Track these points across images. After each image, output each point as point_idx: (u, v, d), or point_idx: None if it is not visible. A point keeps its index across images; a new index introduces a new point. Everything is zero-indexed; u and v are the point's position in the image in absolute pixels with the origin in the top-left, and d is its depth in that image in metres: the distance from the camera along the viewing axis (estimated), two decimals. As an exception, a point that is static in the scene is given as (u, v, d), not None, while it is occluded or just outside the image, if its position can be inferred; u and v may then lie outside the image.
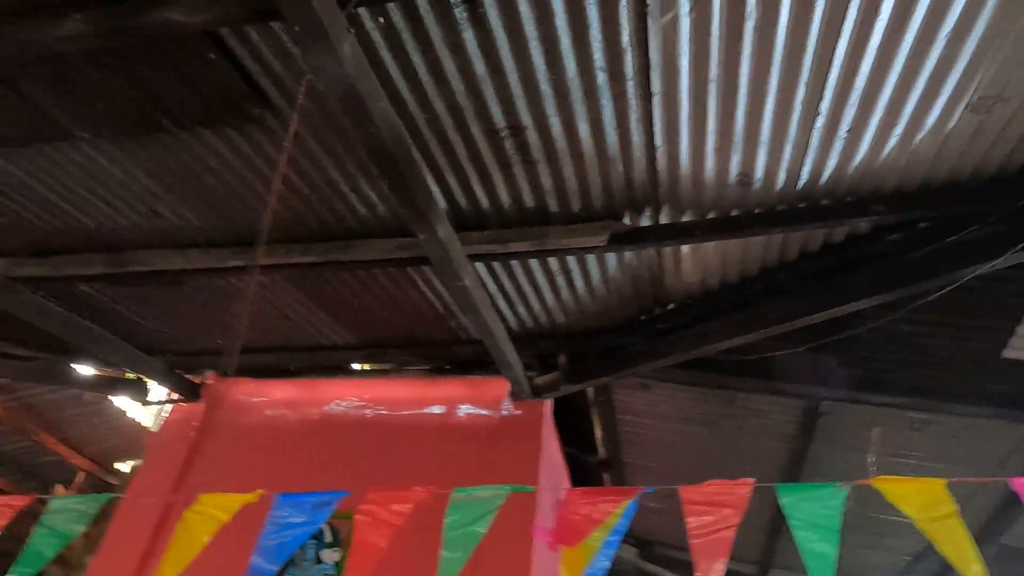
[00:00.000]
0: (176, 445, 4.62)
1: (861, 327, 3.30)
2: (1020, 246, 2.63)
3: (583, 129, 2.62)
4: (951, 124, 2.50)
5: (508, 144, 2.71)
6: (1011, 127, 2.52)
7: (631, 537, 6.26)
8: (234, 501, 1.97)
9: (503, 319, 3.95)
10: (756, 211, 3.01)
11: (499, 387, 4.37)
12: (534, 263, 3.43)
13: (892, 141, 2.60)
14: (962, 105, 2.43)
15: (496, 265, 3.47)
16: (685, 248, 3.31)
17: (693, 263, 3.44)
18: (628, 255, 3.37)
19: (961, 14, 2.10)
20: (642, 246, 3.16)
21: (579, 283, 3.62)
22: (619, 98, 2.48)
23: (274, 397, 4.92)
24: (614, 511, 1.73)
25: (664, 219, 3.11)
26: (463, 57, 2.35)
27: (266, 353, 4.56)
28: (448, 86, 2.47)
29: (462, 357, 4.44)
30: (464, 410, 4.53)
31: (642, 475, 5.61)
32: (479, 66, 2.38)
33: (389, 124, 2.23)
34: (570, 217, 3.11)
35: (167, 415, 4.95)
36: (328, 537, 4.16)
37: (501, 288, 3.68)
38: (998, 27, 2.13)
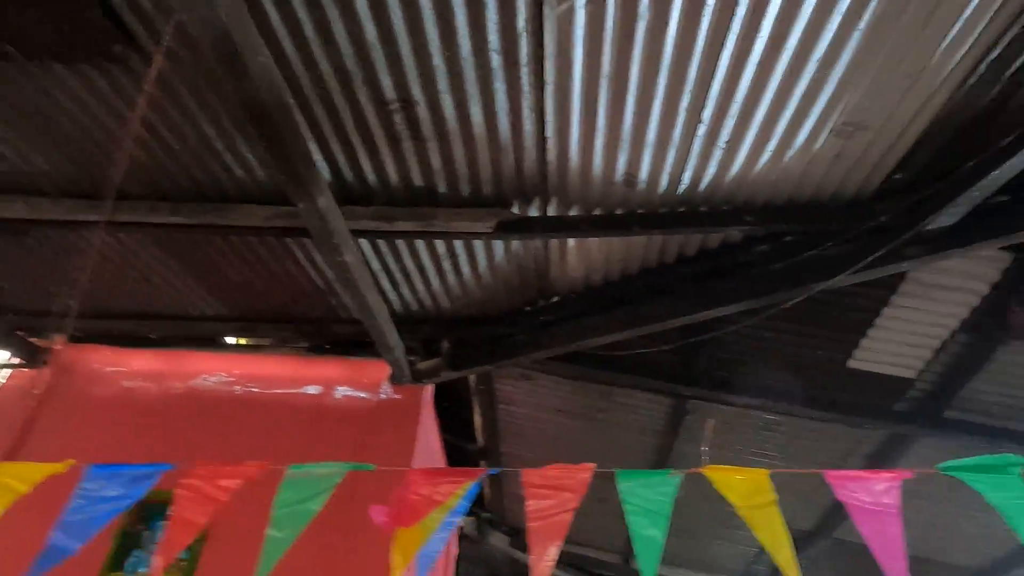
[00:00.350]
0: (11, 414, 4.19)
1: (725, 330, 3.48)
2: (855, 267, 2.86)
3: (475, 111, 2.58)
4: (817, 145, 2.68)
5: (398, 118, 2.62)
6: (868, 155, 2.73)
7: (503, 526, 6.34)
8: (36, 471, 1.77)
9: (386, 300, 3.85)
10: (639, 212, 3.10)
11: (379, 370, 4.27)
12: (420, 244, 3.36)
13: (765, 156, 2.74)
14: (828, 128, 2.60)
15: (381, 243, 3.37)
16: (571, 242, 3.36)
17: (578, 258, 3.49)
18: (515, 244, 3.37)
19: (831, 42, 2.24)
20: (529, 236, 3.18)
21: (465, 269, 3.59)
22: (512, 84, 2.46)
23: (133, 367, 4.57)
24: (456, 492, 1.72)
25: (552, 211, 3.13)
26: (353, 20, 2.24)
27: (125, 319, 4.21)
28: (336, 48, 2.35)
29: (342, 337, 4.30)
30: (341, 392, 4.40)
31: (519, 465, 5.68)
32: (370, 31, 2.28)
33: (268, 81, 2.08)
34: (459, 201, 3.07)
35: (3, 380, 4.47)
36: (182, 518, 3.91)
37: (385, 267, 3.58)
38: (862, 58, 2.29)
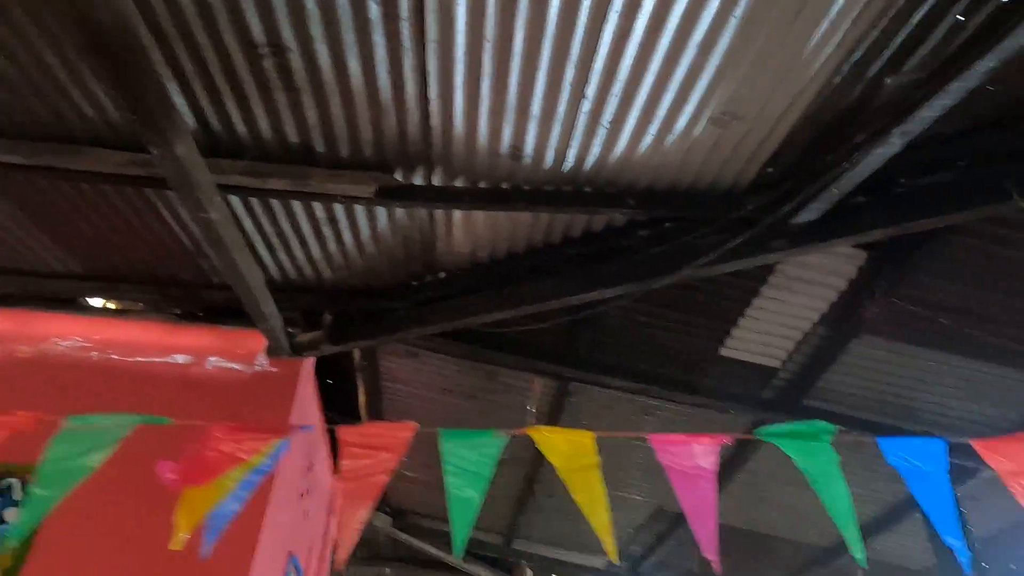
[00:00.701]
0: None
1: (596, 309, 3.52)
2: (717, 254, 2.95)
3: (353, 65, 2.45)
4: (696, 132, 2.73)
5: (268, 64, 2.44)
6: (743, 146, 2.81)
7: (386, 506, 6.23)
8: None
9: (262, 266, 3.64)
10: (525, 187, 3.07)
11: (254, 340, 4.04)
12: (297, 206, 3.19)
13: (647, 139, 2.77)
14: (706, 116, 2.65)
15: (254, 202, 3.17)
16: (457, 215, 3.28)
17: (464, 233, 3.43)
18: (400, 214, 3.26)
19: (710, 26, 2.26)
20: (411, 204, 3.08)
21: (347, 236, 3.44)
22: (392, 38, 2.34)
23: (-29, 328, 4.11)
24: (261, 450, 1.61)
25: (436, 181, 3.05)
26: (214, -53, 2.05)
27: (-41, 272, 3.76)
28: (197, -21, 2.15)
29: (214, 303, 4.04)
30: (212, 362, 4.14)
31: (404, 444, 5.58)
32: (234, -37, 2.10)
33: (114, 7, 1.87)
34: (338, 162, 2.92)
35: None
36: (17, 494, 3.56)
37: (260, 229, 3.38)
38: (738, 46, 2.34)
